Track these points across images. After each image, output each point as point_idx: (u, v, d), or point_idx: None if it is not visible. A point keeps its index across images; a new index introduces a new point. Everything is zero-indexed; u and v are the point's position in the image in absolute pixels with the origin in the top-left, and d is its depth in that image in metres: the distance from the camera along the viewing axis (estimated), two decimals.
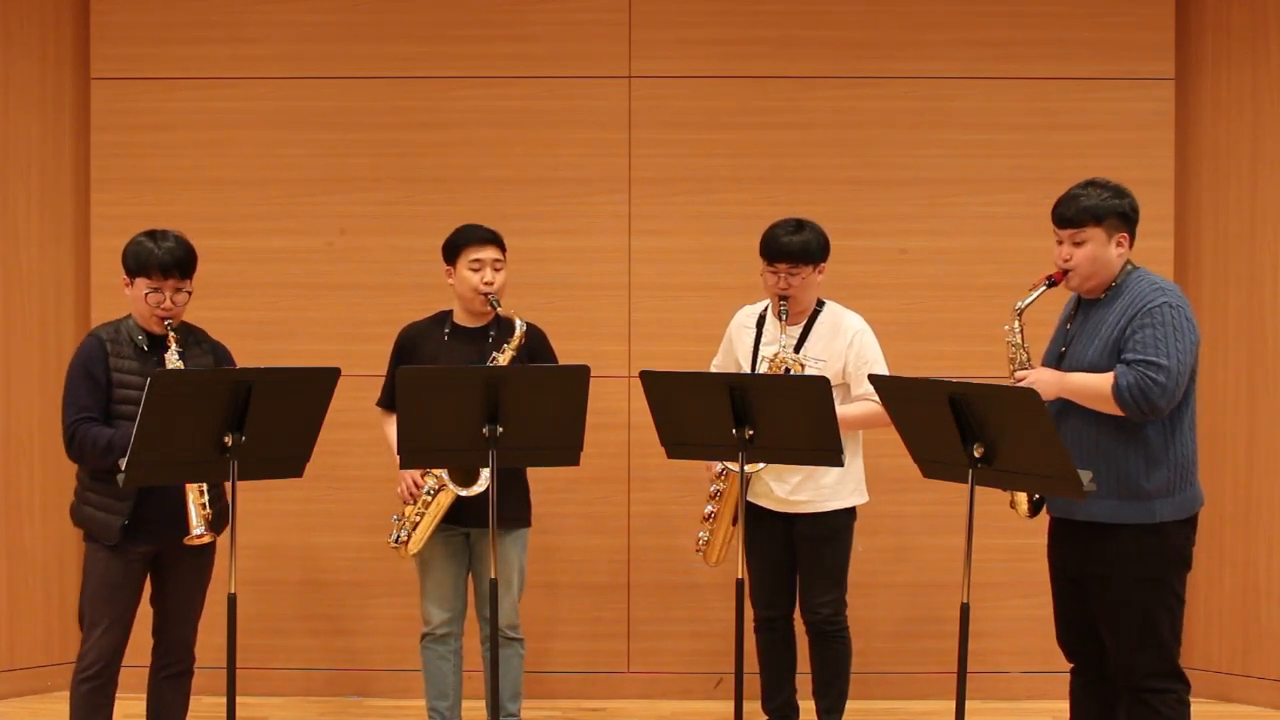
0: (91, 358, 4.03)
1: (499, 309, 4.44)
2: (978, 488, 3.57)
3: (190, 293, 4.10)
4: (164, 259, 4.01)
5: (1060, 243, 3.86)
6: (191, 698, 4.27)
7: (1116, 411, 3.69)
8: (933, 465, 3.75)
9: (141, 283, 4.02)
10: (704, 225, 5.52)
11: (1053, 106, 5.49)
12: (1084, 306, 3.91)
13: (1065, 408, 3.79)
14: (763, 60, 5.52)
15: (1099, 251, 3.80)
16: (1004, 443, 3.51)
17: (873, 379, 3.95)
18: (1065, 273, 3.84)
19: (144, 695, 4.22)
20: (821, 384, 3.95)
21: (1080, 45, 5.49)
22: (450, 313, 4.59)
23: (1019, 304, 3.87)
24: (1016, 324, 3.89)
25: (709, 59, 5.53)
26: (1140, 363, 3.67)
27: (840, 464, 4.06)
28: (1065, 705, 4.00)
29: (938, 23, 5.51)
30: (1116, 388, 3.67)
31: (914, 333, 5.29)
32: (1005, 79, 5.50)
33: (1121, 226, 3.82)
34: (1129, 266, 3.85)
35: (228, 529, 3.73)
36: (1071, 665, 3.98)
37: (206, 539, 3.95)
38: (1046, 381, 3.77)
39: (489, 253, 4.49)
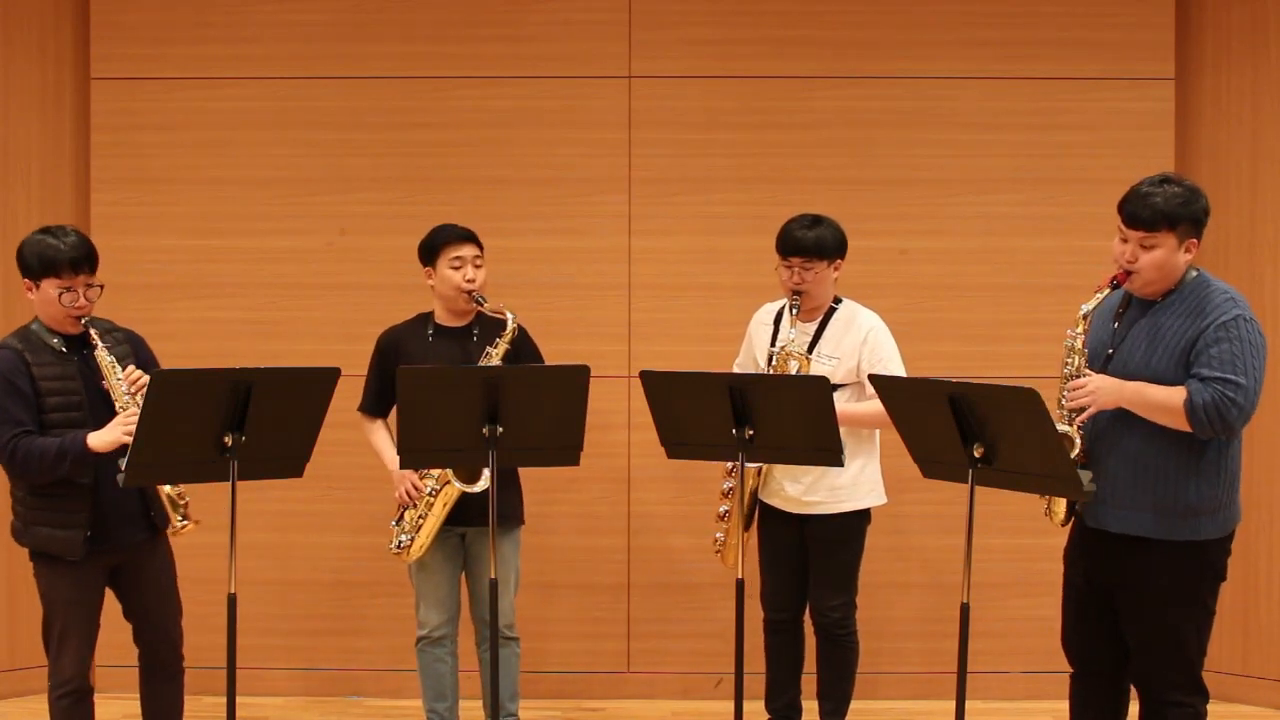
0: (14, 370, 3.84)
1: (484, 306, 4.45)
2: (978, 488, 3.56)
3: (101, 286, 3.96)
4: (72, 255, 3.86)
5: (1125, 240, 3.64)
6: (192, 698, 4.26)
7: (1183, 426, 3.54)
8: (933, 465, 3.72)
9: (50, 283, 3.86)
10: (704, 225, 5.52)
11: (1053, 106, 5.49)
12: (1138, 306, 3.72)
13: (1122, 415, 3.64)
14: (763, 60, 5.52)
15: (1168, 258, 3.59)
16: (1004, 443, 3.49)
17: (873, 378, 3.93)
18: (1128, 274, 3.63)
19: (138, 695, 4.20)
20: (821, 384, 3.94)
21: (1080, 45, 5.48)
22: (431, 314, 4.60)
23: (1085, 308, 3.65)
24: (1081, 328, 3.67)
25: (709, 59, 5.52)
26: (1218, 380, 3.50)
27: (840, 464, 4.04)
28: (1065, 705, 3.99)
29: (938, 23, 5.51)
30: (1191, 405, 3.50)
31: (914, 333, 5.27)
32: (1005, 79, 5.49)
33: (1193, 232, 3.60)
34: (1192, 271, 3.67)
35: (228, 529, 3.71)
36: (1073, 670, 3.94)
37: (190, 527, 3.91)
38: (1107, 390, 3.60)
39: (468, 250, 4.50)
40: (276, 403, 3.68)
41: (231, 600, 3.70)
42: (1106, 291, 3.66)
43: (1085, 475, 3.44)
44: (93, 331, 3.89)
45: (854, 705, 4.67)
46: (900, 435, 3.78)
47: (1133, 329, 3.70)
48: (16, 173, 5.54)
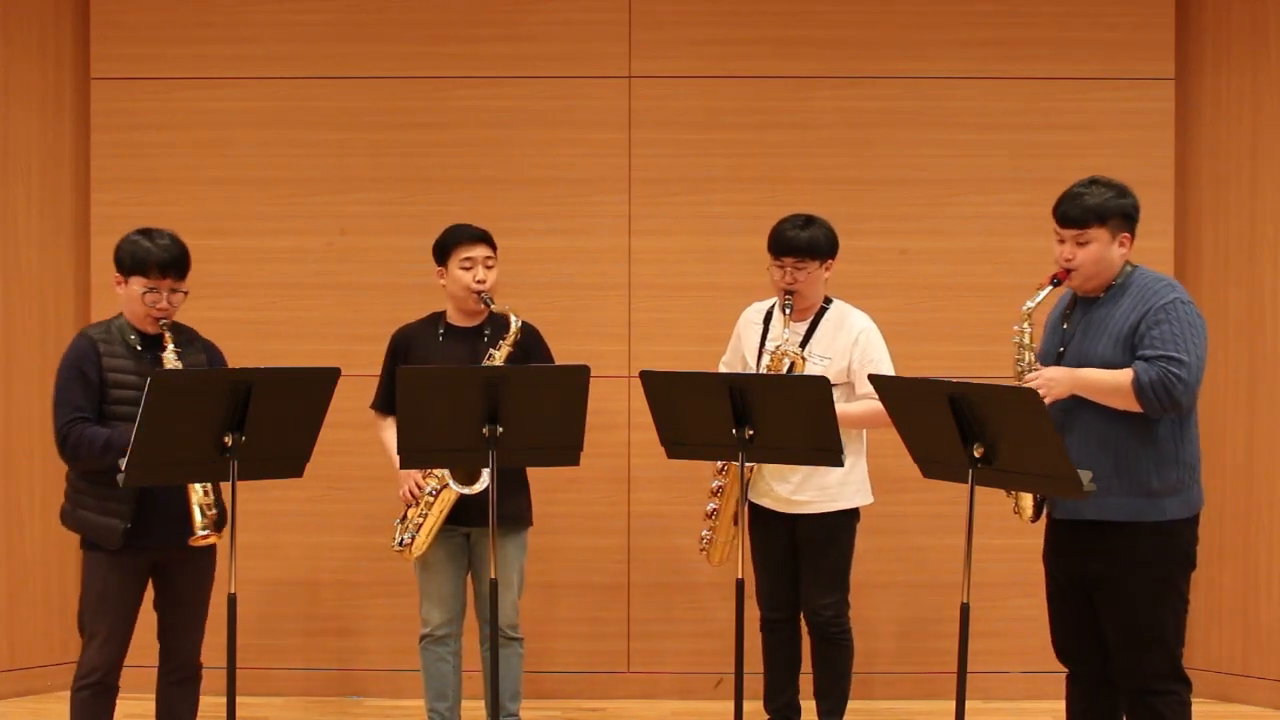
0: (83, 357, 3.96)
1: (492, 306, 4.46)
2: (978, 487, 3.57)
3: (186, 293, 4.06)
4: (162, 257, 3.97)
5: (1062, 241, 3.82)
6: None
7: (1134, 407, 3.66)
8: (933, 465, 3.74)
9: (138, 281, 3.97)
10: (704, 225, 5.52)
11: (1053, 106, 5.49)
12: (1082, 305, 3.87)
13: (1075, 404, 3.74)
14: (763, 60, 5.52)
15: (1103, 252, 3.77)
16: (1004, 443, 3.50)
17: (872, 379, 3.93)
18: (1068, 272, 3.80)
19: (152, 695, 4.20)
20: (821, 384, 3.95)
21: (1080, 45, 5.49)
22: (443, 314, 4.61)
23: (1027, 305, 3.80)
24: (1026, 325, 3.82)
25: (709, 59, 5.53)
26: (1161, 359, 3.64)
27: (840, 464, 4.05)
28: (1064, 705, 3.99)
29: (938, 23, 5.51)
30: (1138, 383, 3.64)
31: (914, 333, 5.29)
32: (1005, 79, 5.50)
33: (1124, 226, 3.79)
34: (1128, 266, 3.83)
35: (228, 529, 3.72)
36: (1068, 671, 3.96)
37: (212, 539, 3.91)
38: (1059, 380, 3.73)
39: (480, 250, 4.50)
40: (276, 403, 3.69)
41: (231, 600, 3.69)
42: (1048, 289, 3.82)
43: (1085, 475, 3.45)
44: (167, 334, 3.97)
45: (853, 705, 4.67)
46: (900, 435, 3.78)
47: (1082, 327, 3.83)
48: (16, 173, 5.54)
